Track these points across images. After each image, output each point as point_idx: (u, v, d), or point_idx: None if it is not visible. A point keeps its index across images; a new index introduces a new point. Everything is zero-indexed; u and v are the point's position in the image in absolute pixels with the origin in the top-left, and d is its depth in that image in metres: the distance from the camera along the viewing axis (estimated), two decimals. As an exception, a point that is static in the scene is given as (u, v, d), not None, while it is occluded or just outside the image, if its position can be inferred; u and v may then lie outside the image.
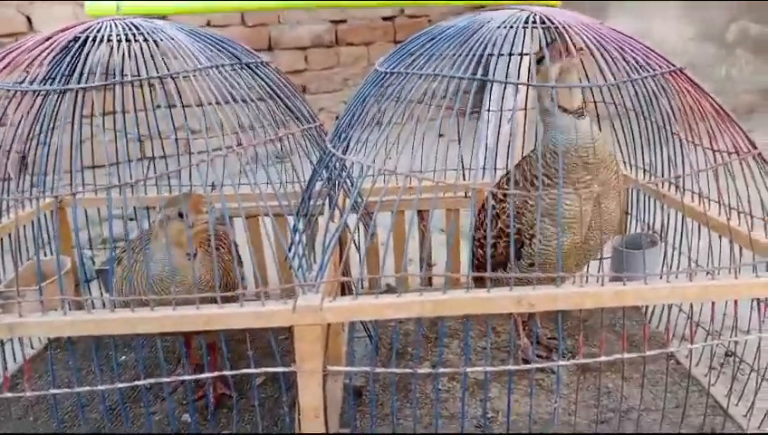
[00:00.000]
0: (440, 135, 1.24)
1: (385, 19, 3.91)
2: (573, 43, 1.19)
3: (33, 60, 1.15)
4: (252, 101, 1.25)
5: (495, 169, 1.74)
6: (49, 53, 1.16)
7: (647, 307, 1.72)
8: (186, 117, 1.64)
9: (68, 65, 1.18)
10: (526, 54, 1.58)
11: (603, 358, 1.15)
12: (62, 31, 1.22)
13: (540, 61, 1.28)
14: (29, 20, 3.16)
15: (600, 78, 1.14)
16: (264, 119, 1.29)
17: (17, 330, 1.06)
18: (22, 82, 1.15)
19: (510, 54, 1.56)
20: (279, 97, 1.35)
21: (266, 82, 1.34)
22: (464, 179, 1.80)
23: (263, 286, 1.10)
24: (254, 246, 1.51)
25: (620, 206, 1.42)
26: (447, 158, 1.68)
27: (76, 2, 3.21)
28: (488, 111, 1.74)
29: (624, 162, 1.58)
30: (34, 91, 1.16)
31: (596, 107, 1.49)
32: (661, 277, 1.11)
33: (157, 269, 1.26)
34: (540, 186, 1.26)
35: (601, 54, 1.15)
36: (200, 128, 1.30)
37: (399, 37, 3.95)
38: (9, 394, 1.09)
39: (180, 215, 1.22)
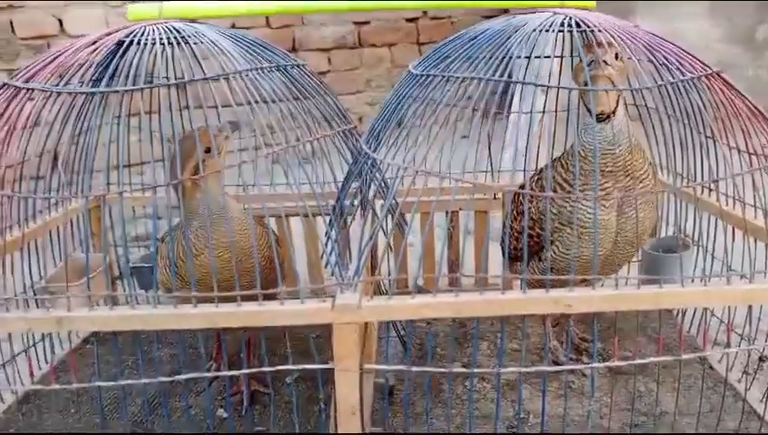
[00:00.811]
0: (463, 136, 1.24)
1: (408, 21, 3.93)
2: (607, 46, 1.18)
3: (80, 63, 1.18)
4: (287, 101, 1.28)
5: (525, 170, 1.75)
6: (95, 57, 1.20)
7: (678, 312, 1.71)
8: (219, 118, 1.68)
9: (113, 68, 1.21)
10: (557, 57, 1.58)
11: (638, 360, 1.15)
12: (108, 35, 1.25)
13: (578, 64, 1.28)
14: (60, 23, 3.23)
15: (635, 82, 1.15)
16: (297, 120, 1.31)
17: (65, 324, 1.10)
18: (67, 84, 1.19)
19: (544, 57, 1.56)
20: (313, 98, 1.37)
21: (301, 84, 1.36)
22: (493, 181, 1.81)
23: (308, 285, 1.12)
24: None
25: (653, 217, 1.41)
26: (476, 160, 1.69)
27: (106, 3, 3.28)
28: (519, 113, 1.75)
29: (661, 168, 1.57)
30: (80, 93, 1.19)
31: (627, 111, 1.48)
32: (700, 280, 1.11)
33: (196, 223, 1.28)
34: (575, 188, 1.26)
35: (637, 58, 1.16)
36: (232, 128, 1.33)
37: (422, 39, 3.96)
38: (57, 386, 1.13)
39: (208, 151, 1.25)
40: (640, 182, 1.31)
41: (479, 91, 1.15)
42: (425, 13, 3.96)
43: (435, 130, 1.19)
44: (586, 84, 1.21)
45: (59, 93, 1.16)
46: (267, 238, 1.37)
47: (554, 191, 1.32)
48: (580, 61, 1.25)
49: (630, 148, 1.30)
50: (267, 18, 3.68)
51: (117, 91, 1.15)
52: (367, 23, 3.87)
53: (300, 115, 1.29)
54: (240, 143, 1.62)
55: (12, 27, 3.13)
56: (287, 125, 1.22)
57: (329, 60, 3.84)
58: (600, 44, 1.20)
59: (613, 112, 1.30)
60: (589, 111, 1.30)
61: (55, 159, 1.27)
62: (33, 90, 1.18)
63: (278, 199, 1.66)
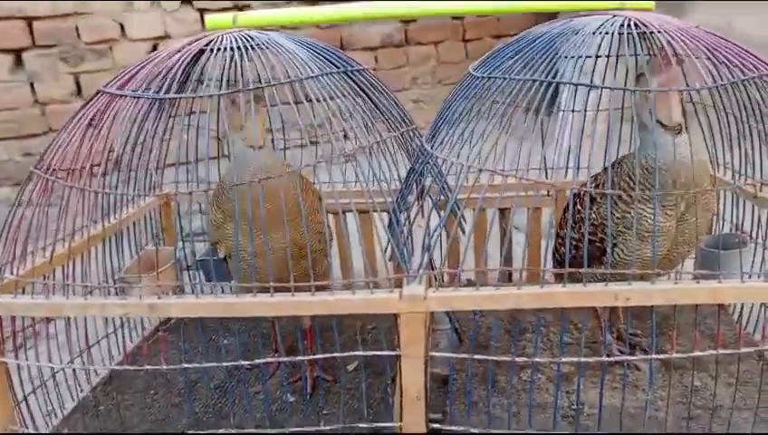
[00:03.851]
0: (509, 133, 1.28)
1: (454, 19, 3.96)
2: (675, 54, 1.19)
3: (167, 70, 1.28)
4: (354, 103, 1.36)
5: (578, 168, 1.78)
6: (180, 64, 1.30)
7: (734, 310, 1.71)
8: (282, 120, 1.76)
9: (195, 75, 1.31)
10: (606, 56, 1.60)
11: (696, 353, 1.18)
12: (190, 44, 1.35)
13: (641, 75, 1.28)
14: (122, 27, 3.40)
15: (699, 82, 1.17)
16: (364, 121, 1.38)
17: (157, 310, 1.20)
18: (157, 91, 1.29)
19: (599, 56, 1.58)
20: (378, 101, 1.44)
21: (367, 87, 1.43)
22: (546, 179, 1.85)
23: (369, 276, 1.19)
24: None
25: (709, 219, 1.41)
26: (529, 158, 1.73)
27: (164, 8, 3.43)
28: (572, 111, 1.78)
29: (718, 164, 1.58)
30: (165, 100, 1.29)
31: (695, 110, 1.49)
32: (759, 276, 1.13)
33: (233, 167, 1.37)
34: (635, 199, 1.26)
35: (696, 57, 1.18)
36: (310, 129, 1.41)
37: (468, 36, 3.99)
38: (148, 366, 1.24)
39: (233, 102, 1.34)
40: (706, 191, 1.32)
41: (532, 92, 1.19)
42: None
43: (491, 129, 1.24)
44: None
45: (147, 99, 1.26)
46: (313, 198, 1.44)
47: (618, 198, 1.33)
48: (642, 74, 1.27)
49: (698, 156, 1.30)
50: (316, 18, 3.77)
51: (201, 97, 1.25)
52: (413, 21, 3.92)
53: (365, 116, 1.37)
54: (302, 141, 1.71)
55: (77, 32, 3.32)
56: (354, 125, 1.30)
57: (375, 58, 3.92)
58: (662, 50, 1.21)
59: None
60: (660, 123, 1.27)
61: (118, 160, 1.38)
62: (123, 96, 1.29)
63: (335, 196, 1.74)
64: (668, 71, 1.22)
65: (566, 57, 1.30)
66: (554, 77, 1.21)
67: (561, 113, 2.07)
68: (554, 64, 1.26)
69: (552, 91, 1.20)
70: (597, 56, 1.60)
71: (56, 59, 3.30)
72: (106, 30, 3.36)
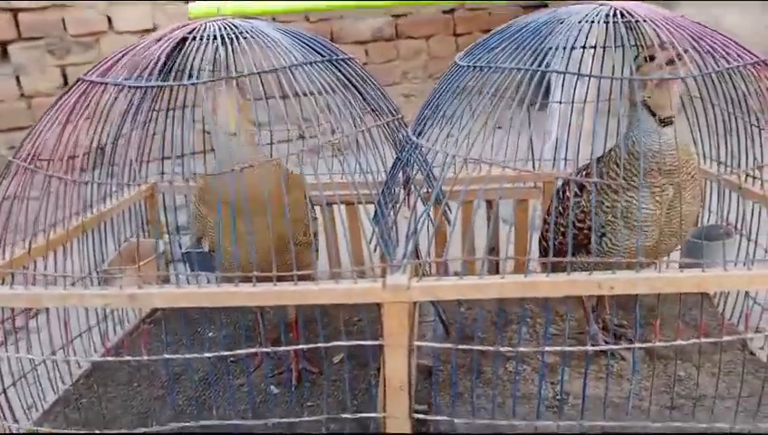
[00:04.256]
0: (498, 127, 1.28)
1: (445, 12, 3.95)
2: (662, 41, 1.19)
3: (148, 58, 1.26)
4: (339, 93, 1.34)
5: (566, 160, 1.78)
6: (161, 52, 1.28)
7: (719, 299, 1.72)
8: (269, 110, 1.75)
9: (178, 63, 1.29)
10: (600, 48, 1.60)
11: (678, 342, 1.18)
12: (172, 31, 1.33)
13: (645, 59, 1.29)
14: (109, 20, 3.36)
15: (683, 70, 1.17)
16: (348, 111, 1.37)
17: (138, 300, 1.19)
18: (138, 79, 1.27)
19: (589, 47, 1.58)
20: (364, 91, 1.43)
21: (352, 77, 1.42)
22: (534, 170, 1.85)
23: (352, 267, 1.19)
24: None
25: (697, 209, 1.42)
26: (517, 150, 1.73)
27: (154, 2, 3.40)
28: (559, 103, 1.78)
29: (702, 155, 1.58)
30: (150, 87, 1.27)
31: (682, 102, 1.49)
32: (743, 265, 1.13)
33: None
34: (620, 186, 1.27)
35: (683, 48, 1.18)
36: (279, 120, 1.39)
37: (459, 30, 3.99)
38: (128, 357, 1.23)
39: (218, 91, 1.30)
40: (693, 178, 1.33)
41: (518, 81, 1.19)
42: (462, 4, 3.98)
43: (479, 119, 1.23)
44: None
45: (130, 87, 1.24)
46: (298, 191, 1.43)
47: (608, 187, 1.34)
48: (647, 58, 1.27)
49: (685, 145, 1.32)
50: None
51: (184, 85, 1.23)
52: (404, 15, 3.91)
53: (350, 106, 1.35)
54: (289, 134, 1.70)
55: (64, 24, 3.28)
56: (338, 116, 1.29)
57: (366, 52, 3.90)
58: (662, 46, 1.21)
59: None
60: (650, 110, 1.30)
61: (96, 151, 1.36)
62: (104, 84, 1.27)
63: (321, 188, 1.73)
64: (668, 64, 1.21)
65: (553, 48, 1.29)
66: (541, 66, 1.20)
67: (551, 105, 2.07)
68: (540, 53, 1.25)
69: (544, 85, 1.19)
70: (583, 47, 1.60)
71: (43, 51, 3.26)
72: (93, 22, 3.33)
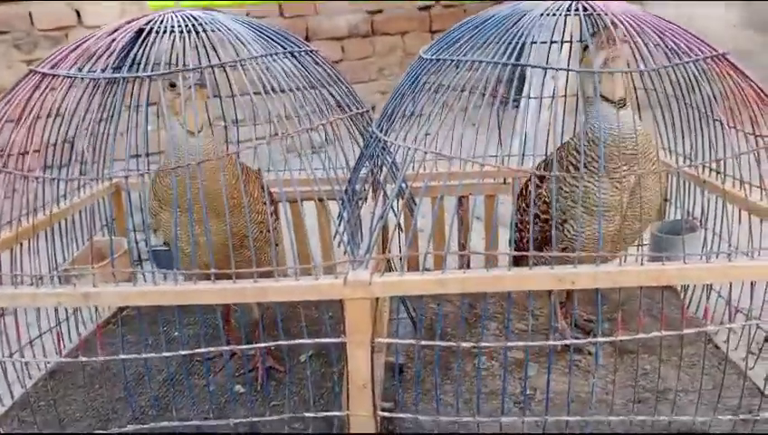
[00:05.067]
0: (473, 124, 1.27)
1: (421, 9, 3.95)
2: (619, 34, 1.20)
3: (102, 50, 1.23)
4: (300, 89, 1.32)
5: (534, 155, 1.77)
6: (116, 44, 1.24)
7: (685, 293, 1.73)
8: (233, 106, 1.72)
9: (134, 55, 1.25)
10: (567, 42, 1.60)
11: (641, 335, 1.18)
12: (128, 23, 1.30)
13: (585, 49, 1.30)
14: (78, 14, 3.29)
15: (642, 65, 1.17)
16: (310, 106, 1.34)
17: (92, 299, 1.15)
18: (90, 71, 1.24)
19: (551, 42, 1.58)
20: (327, 84, 1.41)
21: (315, 70, 1.40)
22: (503, 166, 1.84)
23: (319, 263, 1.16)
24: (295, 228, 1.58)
25: (659, 194, 1.44)
26: (485, 145, 1.72)
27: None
28: (528, 98, 1.77)
29: (664, 149, 1.59)
30: (102, 79, 1.24)
31: (636, 95, 1.50)
32: (701, 258, 1.14)
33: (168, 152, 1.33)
34: (581, 173, 1.28)
35: (644, 41, 1.18)
36: (243, 117, 1.37)
37: (435, 27, 3.98)
38: (83, 358, 1.19)
39: (172, 85, 1.29)
40: (653, 164, 1.34)
41: (486, 76, 1.18)
42: (437, 1, 3.98)
43: (445, 114, 1.22)
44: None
45: (82, 79, 1.21)
46: (254, 187, 1.40)
47: (567, 172, 1.35)
48: (587, 47, 1.27)
49: (645, 131, 1.33)
50: (280, 7, 3.71)
51: (139, 78, 1.20)
52: (380, 11, 3.89)
53: (313, 100, 1.33)
54: (255, 130, 1.67)
55: (31, 18, 3.20)
56: (301, 111, 1.26)
57: (342, 48, 3.88)
58: (606, 26, 1.22)
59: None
60: (604, 97, 1.30)
61: (72, 145, 1.32)
62: (57, 76, 1.23)
63: (293, 184, 1.71)
64: (612, 47, 1.23)
65: (523, 43, 1.28)
66: (510, 59, 1.19)
67: (523, 101, 2.07)
68: (505, 46, 1.23)
69: (501, 73, 1.18)
70: (552, 42, 1.60)
71: (9, 46, 3.18)
72: (61, 16, 3.25)
